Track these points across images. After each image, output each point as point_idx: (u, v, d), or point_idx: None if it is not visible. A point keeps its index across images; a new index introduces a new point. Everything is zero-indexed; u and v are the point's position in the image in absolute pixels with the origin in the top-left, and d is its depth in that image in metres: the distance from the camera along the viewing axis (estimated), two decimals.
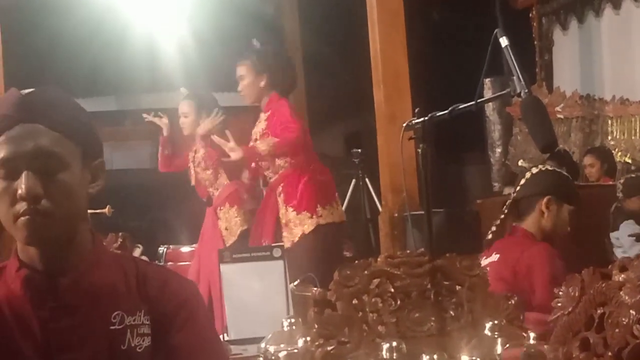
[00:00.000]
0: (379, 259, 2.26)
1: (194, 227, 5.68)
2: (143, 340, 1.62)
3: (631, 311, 1.63)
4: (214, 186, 5.24)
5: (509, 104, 7.71)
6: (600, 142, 7.49)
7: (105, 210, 4.03)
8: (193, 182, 5.35)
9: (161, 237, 6.31)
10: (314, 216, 4.49)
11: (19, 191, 1.54)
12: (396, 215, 5.21)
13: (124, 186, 5.81)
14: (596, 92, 7.76)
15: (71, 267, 1.62)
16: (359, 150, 7.62)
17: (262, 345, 2.39)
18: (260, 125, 4.63)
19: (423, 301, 2.22)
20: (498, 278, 2.97)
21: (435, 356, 1.97)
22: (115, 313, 1.61)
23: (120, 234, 5.11)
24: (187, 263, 5.45)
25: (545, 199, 3.26)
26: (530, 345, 1.95)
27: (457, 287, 2.25)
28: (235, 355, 2.77)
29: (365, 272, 2.22)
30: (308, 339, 2.20)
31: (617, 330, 1.65)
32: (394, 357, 2.00)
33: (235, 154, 4.59)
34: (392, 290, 2.21)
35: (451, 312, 2.23)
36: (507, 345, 2.11)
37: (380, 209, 5.87)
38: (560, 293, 1.75)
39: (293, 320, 2.40)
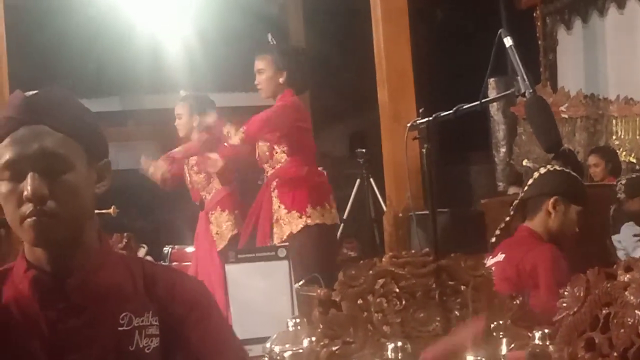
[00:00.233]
0: (383, 259, 2.26)
1: None
2: (151, 341, 1.62)
3: (636, 311, 1.63)
4: (206, 190, 5.26)
5: (513, 104, 7.69)
6: (604, 142, 7.47)
7: (110, 210, 4.04)
8: (188, 184, 5.37)
9: (166, 237, 6.32)
10: (303, 216, 4.50)
11: (25, 193, 1.54)
12: (401, 215, 5.22)
13: (128, 186, 5.81)
14: (600, 91, 7.75)
15: (78, 267, 1.62)
16: (364, 150, 7.61)
17: (267, 345, 2.38)
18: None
19: (428, 301, 2.22)
20: (503, 277, 2.97)
21: None
22: (124, 314, 1.61)
23: (125, 234, 5.12)
24: (191, 263, 5.46)
25: (552, 200, 3.24)
26: (535, 345, 1.95)
27: (462, 287, 2.25)
28: None
29: (370, 272, 2.22)
30: (313, 339, 2.21)
31: (622, 330, 1.64)
32: (399, 357, 2.00)
33: (213, 167, 4.72)
34: (397, 290, 2.21)
35: (456, 312, 2.23)
36: (512, 346, 2.11)
37: (384, 208, 5.86)
38: (566, 293, 1.75)
39: (298, 320, 2.39)
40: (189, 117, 5.24)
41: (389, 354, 2.00)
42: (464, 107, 2.40)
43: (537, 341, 2.01)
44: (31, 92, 1.61)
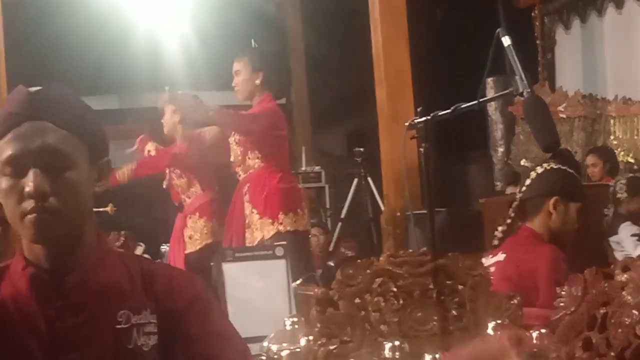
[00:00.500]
0: (381, 258, 2.26)
1: None
2: (149, 339, 1.62)
3: (634, 311, 1.63)
4: (186, 194, 5.27)
5: (511, 103, 7.70)
6: (602, 142, 7.48)
7: (108, 208, 4.04)
8: (165, 185, 5.37)
9: (163, 236, 6.31)
10: (275, 223, 4.49)
11: (27, 189, 1.54)
12: (398, 214, 5.21)
13: (125, 184, 5.82)
14: (599, 91, 7.76)
15: (77, 265, 1.62)
16: (362, 149, 7.62)
17: (265, 344, 2.38)
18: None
19: (425, 300, 2.22)
20: (503, 277, 2.97)
21: (437, 355, 1.97)
22: (122, 312, 1.61)
23: (122, 232, 5.13)
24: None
25: (552, 200, 3.22)
26: (533, 344, 1.95)
27: (460, 287, 2.25)
28: None
29: (368, 271, 2.22)
30: (310, 338, 2.21)
31: (619, 330, 1.65)
32: (397, 356, 2.00)
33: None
34: (395, 289, 2.21)
35: (453, 312, 2.23)
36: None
37: (382, 208, 5.86)
38: (563, 293, 1.75)
39: (295, 319, 2.40)
40: (172, 115, 5.26)
41: (387, 353, 2.00)
42: (462, 106, 2.39)
43: (534, 341, 2.01)
44: (34, 88, 1.61)
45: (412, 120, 2.43)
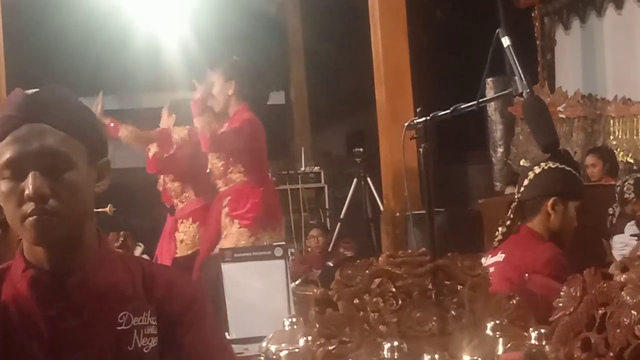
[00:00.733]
0: (380, 259, 2.26)
1: None
2: (150, 341, 1.62)
3: (633, 311, 1.63)
4: (179, 198, 5.25)
5: (511, 104, 7.70)
6: (602, 142, 7.48)
7: (107, 209, 4.03)
8: (160, 188, 5.37)
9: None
10: (253, 236, 4.50)
11: (26, 191, 1.54)
12: (398, 214, 5.22)
13: (125, 185, 5.81)
14: (598, 91, 7.76)
15: (78, 266, 1.61)
16: (361, 149, 7.63)
17: (264, 344, 2.39)
18: (222, 129, 4.60)
19: (424, 301, 2.22)
20: (504, 278, 2.95)
21: (436, 356, 1.96)
22: (122, 313, 1.61)
23: (121, 232, 5.13)
24: None
25: (550, 201, 3.19)
26: (531, 345, 1.95)
27: (459, 287, 2.25)
28: (237, 354, 2.76)
29: (367, 271, 2.22)
30: (309, 338, 2.20)
31: (618, 330, 1.64)
32: (395, 357, 2.00)
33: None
34: (394, 289, 2.21)
35: (453, 312, 2.22)
36: (509, 345, 2.10)
37: (381, 208, 5.87)
38: (562, 293, 1.75)
39: (294, 319, 2.40)
40: (167, 118, 5.29)
41: (385, 353, 2.00)
42: (462, 106, 2.39)
43: (533, 341, 2.01)
44: (32, 91, 1.61)
45: (412, 121, 2.42)
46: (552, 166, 3.26)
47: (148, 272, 1.68)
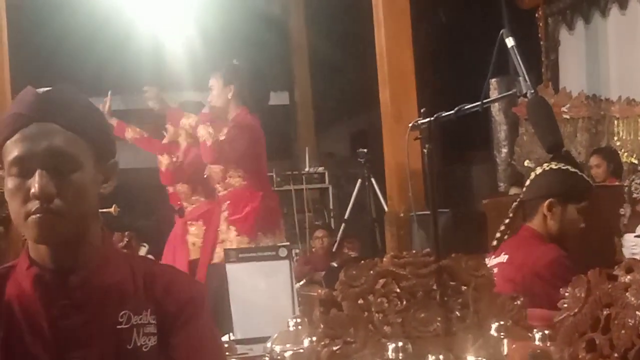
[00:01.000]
0: (384, 259, 2.26)
1: None
2: (149, 340, 1.62)
3: (637, 312, 1.63)
4: (189, 200, 5.24)
5: (515, 104, 7.70)
6: (606, 143, 7.47)
7: (112, 209, 4.03)
8: (170, 190, 5.37)
9: (167, 237, 6.31)
10: (252, 243, 4.48)
11: (32, 190, 1.54)
12: (402, 215, 5.21)
13: (129, 185, 5.82)
14: (602, 92, 7.75)
15: (81, 265, 1.62)
16: (365, 150, 7.62)
17: (268, 344, 2.39)
18: (222, 135, 4.58)
19: (429, 301, 2.22)
20: (507, 279, 2.94)
21: (441, 356, 1.97)
22: (123, 312, 1.62)
23: (126, 233, 5.13)
24: None
25: (546, 203, 3.16)
26: (536, 345, 1.95)
27: (463, 288, 2.25)
28: (241, 354, 2.77)
29: (371, 272, 2.22)
30: (314, 338, 2.21)
31: (623, 331, 1.64)
32: (400, 357, 2.00)
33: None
34: (398, 290, 2.21)
35: (457, 313, 2.23)
36: (514, 346, 2.10)
37: (386, 208, 5.86)
38: (566, 294, 1.75)
39: (299, 320, 2.40)
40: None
41: (390, 354, 2.00)
42: (466, 107, 2.39)
43: (538, 342, 2.01)
44: (43, 89, 1.61)
45: (416, 121, 2.42)
46: (554, 167, 3.22)
47: (149, 271, 1.69)
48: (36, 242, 1.59)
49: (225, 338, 2.88)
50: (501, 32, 2.40)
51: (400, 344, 2.01)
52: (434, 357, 1.96)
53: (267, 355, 2.37)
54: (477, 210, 5.67)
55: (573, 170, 3.22)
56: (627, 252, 4.57)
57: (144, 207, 8.11)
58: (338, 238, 7.76)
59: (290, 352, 2.27)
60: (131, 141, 5.23)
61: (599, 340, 1.69)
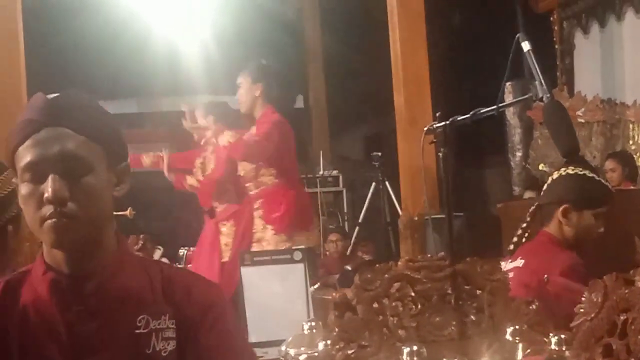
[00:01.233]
0: (399, 263, 2.26)
1: None
2: (168, 344, 1.63)
3: None
4: (219, 200, 5.24)
5: (529, 108, 7.67)
6: (621, 147, 7.44)
7: (127, 212, 4.05)
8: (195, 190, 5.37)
9: (182, 239, 6.33)
10: (290, 241, 4.50)
11: (46, 195, 1.55)
12: (416, 218, 5.20)
13: (144, 188, 5.83)
14: (617, 96, 7.71)
15: (97, 270, 1.62)
16: (379, 153, 7.62)
17: (283, 348, 2.39)
18: (251, 131, 4.62)
19: (444, 305, 2.22)
20: (522, 284, 2.93)
21: None
22: (141, 317, 1.62)
23: (141, 236, 5.15)
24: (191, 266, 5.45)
25: (560, 209, 3.12)
26: (552, 350, 1.94)
27: (478, 292, 2.24)
28: None
29: (386, 275, 2.22)
30: (328, 342, 2.21)
31: None
32: None
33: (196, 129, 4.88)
34: (413, 294, 2.21)
35: (472, 317, 2.22)
36: (529, 351, 2.10)
37: (400, 212, 5.86)
38: (583, 299, 1.74)
39: (313, 323, 2.40)
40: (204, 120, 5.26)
41: (405, 358, 2.00)
42: (482, 111, 2.39)
43: (553, 346, 2.00)
44: (52, 95, 1.62)
45: (431, 125, 2.42)
46: (570, 172, 3.15)
47: (167, 276, 1.69)
48: (53, 247, 1.60)
49: None
50: (517, 35, 2.40)
51: (414, 347, 2.01)
52: None
53: (281, 358, 2.37)
54: (492, 214, 5.66)
55: (590, 175, 3.15)
56: None
57: (159, 211, 8.13)
58: (352, 241, 7.76)
59: (305, 356, 2.27)
60: (170, 168, 5.28)
61: (616, 345, 1.68)
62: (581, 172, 3.14)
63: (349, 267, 5.48)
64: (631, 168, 6.63)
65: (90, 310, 1.60)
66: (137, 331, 1.61)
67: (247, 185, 4.72)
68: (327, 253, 7.73)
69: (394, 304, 2.20)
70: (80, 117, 1.60)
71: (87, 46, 7.88)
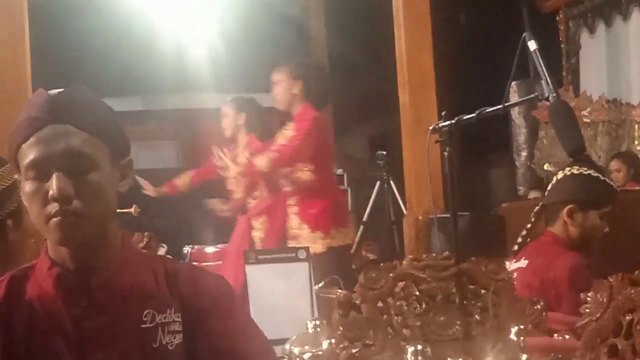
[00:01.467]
0: (404, 262, 2.26)
1: (219, 227, 5.68)
2: (174, 338, 1.63)
3: None
4: (252, 195, 5.20)
5: (535, 108, 7.67)
6: (626, 147, 7.43)
7: (132, 210, 4.05)
8: (231, 188, 5.33)
9: (186, 237, 6.34)
10: (327, 238, 4.49)
11: (51, 192, 1.55)
12: (421, 218, 5.19)
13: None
14: (623, 96, 7.70)
15: (102, 266, 1.63)
16: (384, 152, 7.61)
17: (287, 346, 2.39)
18: (288, 132, 4.61)
19: (448, 305, 2.21)
20: (526, 285, 2.93)
21: None
22: (147, 311, 1.63)
23: (145, 233, 5.14)
24: (211, 263, 5.45)
25: (566, 209, 3.13)
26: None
27: (483, 291, 2.24)
28: None
29: (391, 274, 2.22)
30: (333, 341, 2.21)
31: None
32: None
33: (232, 170, 4.71)
34: (417, 293, 2.21)
35: (476, 316, 2.22)
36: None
37: (404, 211, 5.85)
38: (588, 299, 1.74)
39: (318, 322, 2.40)
40: (235, 118, 5.23)
41: (409, 357, 2.00)
42: (487, 110, 2.38)
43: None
44: (54, 91, 1.62)
45: (436, 124, 2.42)
46: (575, 172, 3.16)
47: (171, 269, 1.70)
48: (59, 245, 1.60)
49: None
50: (523, 35, 2.39)
51: (419, 347, 2.01)
52: None
53: (285, 357, 2.36)
54: (496, 213, 5.65)
55: (595, 174, 3.16)
56: None
57: (164, 208, 8.13)
58: (356, 240, 7.75)
59: (309, 354, 2.27)
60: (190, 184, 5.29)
61: (621, 345, 1.68)
62: (586, 172, 3.14)
63: (353, 266, 5.48)
64: (636, 168, 6.63)
65: (96, 305, 1.61)
66: (143, 325, 1.62)
67: (281, 181, 4.70)
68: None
69: (398, 303, 2.20)
70: (83, 113, 1.60)
71: (93, 43, 7.89)
